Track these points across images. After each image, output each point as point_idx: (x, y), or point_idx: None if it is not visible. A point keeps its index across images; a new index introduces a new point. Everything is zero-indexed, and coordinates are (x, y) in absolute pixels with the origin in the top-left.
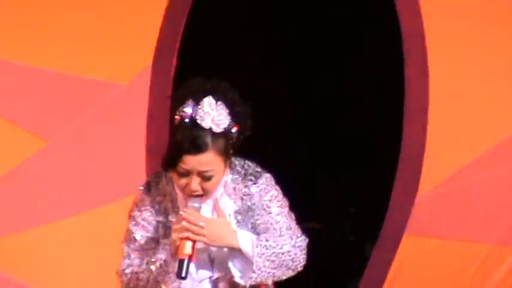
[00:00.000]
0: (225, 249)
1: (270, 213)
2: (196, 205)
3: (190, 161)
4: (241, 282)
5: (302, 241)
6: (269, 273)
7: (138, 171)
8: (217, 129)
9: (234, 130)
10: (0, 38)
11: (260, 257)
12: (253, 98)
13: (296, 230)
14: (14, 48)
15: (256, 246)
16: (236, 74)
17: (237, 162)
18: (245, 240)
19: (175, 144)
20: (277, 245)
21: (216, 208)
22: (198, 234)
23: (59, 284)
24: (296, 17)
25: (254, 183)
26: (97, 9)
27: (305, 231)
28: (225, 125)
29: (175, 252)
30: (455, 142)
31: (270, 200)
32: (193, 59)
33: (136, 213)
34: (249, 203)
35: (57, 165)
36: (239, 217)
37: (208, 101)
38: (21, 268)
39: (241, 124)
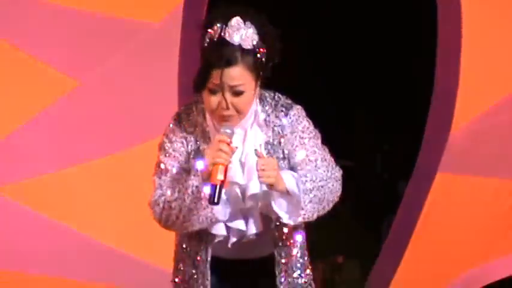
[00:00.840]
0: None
1: (303, 144)
2: (228, 131)
3: (223, 75)
4: (290, 222)
5: (338, 171)
6: (314, 208)
7: (170, 111)
8: (246, 46)
9: (262, 49)
10: None
11: (306, 193)
12: (291, 37)
13: (331, 161)
14: None
15: (302, 184)
16: (269, 12)
17: (267, 94)
18: (289, 179)
19: (205, 61)
20: (317, 178)
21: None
22: (263, 176)
23: (92, 223)
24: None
25: (285, 115)
26: None
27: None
28: (254, 42)
29: (207, 178)
30: (489, 78)
31: (302, 131)
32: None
33: (167, 144)
34: (280, 134)
35: (89, 105)
36: (270, 147)
37: (236, 20)
38: (55, 207)
39: (269, 45)
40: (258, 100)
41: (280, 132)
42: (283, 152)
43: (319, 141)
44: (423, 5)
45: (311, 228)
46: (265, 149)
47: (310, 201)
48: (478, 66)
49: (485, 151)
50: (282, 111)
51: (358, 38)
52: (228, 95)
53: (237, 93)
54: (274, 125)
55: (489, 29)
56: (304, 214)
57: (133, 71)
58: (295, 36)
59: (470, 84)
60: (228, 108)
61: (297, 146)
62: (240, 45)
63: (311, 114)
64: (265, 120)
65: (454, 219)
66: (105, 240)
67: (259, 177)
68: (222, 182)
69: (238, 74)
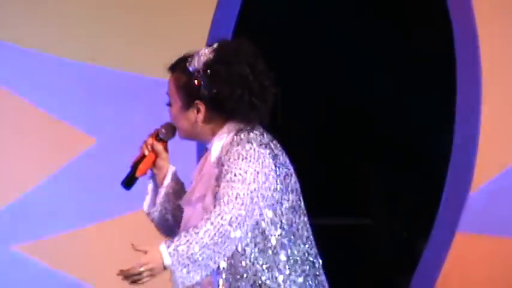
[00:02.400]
0: None
1: (223, 178)
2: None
3: None
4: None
5: (222, 218)
6: (195, 272)
7: (189, 168)
8: (190, 64)
9: (198, 76)
10: (51, 35)
11: (174, 263)
12: (300, 87)
13: (230, 204)
14: (64, 45)
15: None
16: (286, 65)
17: (245, 132)
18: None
19: None
20: (188, 240)
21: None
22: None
23: (110, 283)
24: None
25: (230, 150)
26: (148, 5)
27: (357, 227)
28: (197, 66)
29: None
30: (509, 137)
31: (229, 166)
32: None
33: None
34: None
35: (106, 162)
36: (217, 183)
37: (213, 44)
38: (73, 265)
39: (217, 79)
40: (220, 134)
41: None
42: None
43: (252, 184)
44: (441, 57)
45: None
46: (215, 186)
47: (183, 272)
48: (498, 126)
49: (505, 211)
50: (229, 147)
51: (376, 93)
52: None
53: (168, 104)
54: (223, 159)
55: (509, 87)
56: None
57: (151, 128)
58: (312, 93)
59: (490, 145)
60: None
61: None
62: (185, 61)
63: (328, 172)
64: (217, 157)
65: (473, 278)
66: None
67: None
68: (134, 165)
69: (169, 83)
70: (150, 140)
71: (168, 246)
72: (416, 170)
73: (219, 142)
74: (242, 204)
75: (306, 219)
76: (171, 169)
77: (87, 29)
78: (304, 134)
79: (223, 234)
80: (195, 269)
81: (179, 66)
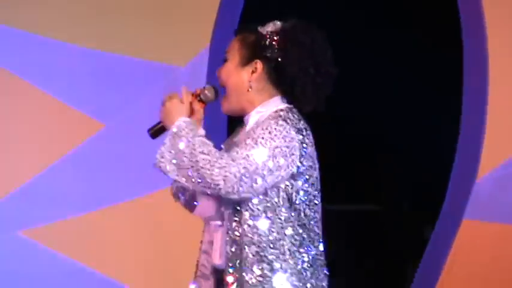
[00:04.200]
0: None
1: (248, 138)
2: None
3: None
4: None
5: (234, 168)
6: (168, 158)
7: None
8: (261, 29)
9: (271, 40)
10: (60, 21)
11: (173, 137)
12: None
13: (236, 168)
14: (73, 30)
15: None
16: None
17: (285, 112)
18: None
19: None
20: (201, 152)
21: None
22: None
23: (118, 267)
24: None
25: (263, 123)
26: None
27: (364, 213)
28: (270, 31)
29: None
30: None
31: (257, 134)
32: None
33: None
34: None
35: (115, 148)
36: None
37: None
38: (81, 250)
39: (287, 48)
40: (260, 108)
41: None
42: None
43: (268, 150)
44: (448, 47)
45: (334, 272)
46: None
47: (169, 151)
48: (504, 113)
49: (511, 199)
50: (264, 120)
51: (383, 82)
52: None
53: (224, 60)
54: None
55: None
56: (159, 156)
57: (159, 113)
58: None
59: (497, 131)
60: (218, 76)
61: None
62: (255, 26)
63: (337, 159)
64: (251, 128)
65: (479, 265)
66: (131, 283)
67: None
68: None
69: (233, 41)
70: (191, 97)
71: (182, 122)
72: (423, 158)
73: (256, 114)
74: (244, 166)
75: (319, 217)
76: (202, 130)
77: (97, 16)
78: (315, 122)
79: (209, 170)
80: (173, 158)
81: (250, 28)
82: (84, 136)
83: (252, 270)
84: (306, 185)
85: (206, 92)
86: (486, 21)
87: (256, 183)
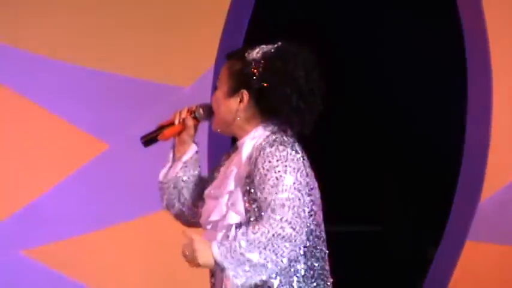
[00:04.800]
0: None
1: (264, 183)
2: (200, 112)
3: None
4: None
5: (283, 228)
6: (248, 271)
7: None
8: (247, 55)
9: (256, 68)
10: (63, 42)
11: (229, 262)
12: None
13: (288, 214)
14: (78, 52)
15: (219, 250)
16: None
17: (279, 135)
18: (216, 253)
19: None
20: (255, 239)
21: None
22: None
23: (122, 286)
24: (358, 18)
25: (262, 151)
26: (159, 13)
27: (366, 233)
28: (256, 57)
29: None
30: None
31: (267, 169)
32: None
33: None
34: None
35: (118, 168)
36: (249, 182)
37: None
38: (82, 270)
39: (270, 74)
40: (253, 134)
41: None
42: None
43: (292, 187)
44: (454, 70)
45: None
46: (244, 184)
47: (244, 270)
48: (508, 135)
49: None
50: (262, 147)
51: (385, 99)
52: None
53: (216, 88)
54: (255, 158)
55: None
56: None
57: None
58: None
59: (500, 153)
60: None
61: (261, 184)
62: (245, 51)
63: (338, 179)
64: (248, 157)
65: (483, 287)
66: None
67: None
68: (160, 127)
69: (223, 70)
70: (185, 113)
71: (219, 244)
72: (427, 178)
73: (251, 141)
74: (292, 207)
75: (324, 236)
76: (193, 147)
77: (100, 37)
78: (314, 141)
79: (282, 236)
80: (250, 268)
81: (237, 54)
82: (88, 156)
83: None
84: (313, 205)
85: (200, 110)
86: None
87: (304, 212)
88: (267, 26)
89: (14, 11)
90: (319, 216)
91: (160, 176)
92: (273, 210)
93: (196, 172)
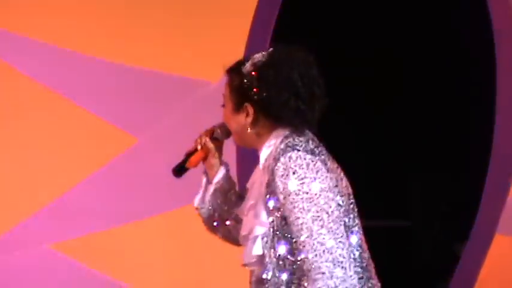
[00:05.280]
0: None
1: (291, 207)
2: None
3: None
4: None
5: (329, 259)
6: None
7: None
8: (244, 68)
9: (252, 77)
10: (94, 38)
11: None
12: (342, 94)
13: (317, 244)
14: (106, 46)
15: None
16: (322, 69)
17: (291, 138)
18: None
19: None
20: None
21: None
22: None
23: (145, 282)
24: (385, 18)
25: (277, 160)
26: (188, 6)
27: (394, 229)
28: (251, 69)
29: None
30: None
31: (288, 194)
32: None
33: None
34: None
35: (147, 162)
36: (269, 191)
37: (267, 50)
38: (110, 264)
39: (266, 83)
40: (268, 143)
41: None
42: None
43: (314, 208)
44: (482, 65)
45: None
46: (265, 189)
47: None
48: None
49: None
50: (279, 155)
51: (413, 97)
52: None
53: (222, 105)
54: (272, 168)
55: None
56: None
57: (191, 128)
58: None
59: None
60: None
61: (285, 203)
62: (242, 64)
63: (366, 173)
64: (265, 165)
65: (511, 282)
66: None
67: None
68: (187, 156)
69: (225, 86)
70: (204, 137)
71: None
72: (456, 172)
73: (267, 150)
74: (323, 222)
75: (359, 223)
76: (222, 169)
77: (130, 31)
78: (345, 136)
79: (334, 259)
80: None
81: (235, 69)
82: (117, 150)
83: None
84: (339, 198)
85: (218, 130)
86: None
87: (336, 224)
88: (295, 21)
89: (41, 7)
90: (349, 206)
91: (196, 202)
92: (307, 234)
93: (232, 191)
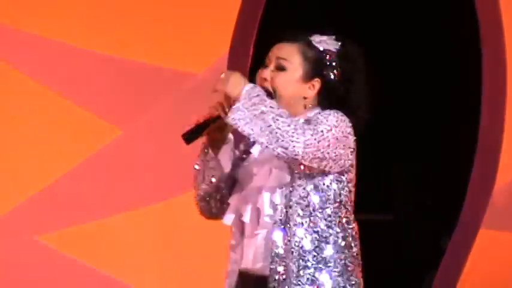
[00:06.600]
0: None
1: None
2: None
3: (276, 48)
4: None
5: (307, 136)
6: (247, 118)
7: None
8: (316, 43)
9: (330, 57)
10: (77, 27)
11: (247, 99)
12: None
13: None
14: (91, 37)
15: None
16: None
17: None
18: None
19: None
20: (280, 115)
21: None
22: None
23: (134, 273)
24: (373, 12)
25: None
26: (173, 0)
27: (379, 223)
28: (326, 46)
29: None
30: None
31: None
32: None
33: None
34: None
35: (132, 154)
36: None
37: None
38: (98, 256)
39: (345, 74)
40: (307, 114)
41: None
42: None
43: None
44: (469, 61)
45: None
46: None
47: (246, 108)
48: None
49: None
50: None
51: (399, 88)
52: (272, 67)
53: (279, 68)
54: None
55: None
56: (235, 115)
57: (177, 120)
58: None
59: None
60: (266, 78)
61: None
62: (307, 38)
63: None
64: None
65: (496, 276)
66: None
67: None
68: (199, 124)
69: (289, 50)
70: (225, 105)
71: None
72: (440, 166)
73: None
74: (324, 137)
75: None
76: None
77: (113, 22)
78: None
79: (289, 132)
80: (252, 118)
81: (303, 40)
82: (101, 142)
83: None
84: (350, 184)
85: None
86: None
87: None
88: (281, 13)
89: None
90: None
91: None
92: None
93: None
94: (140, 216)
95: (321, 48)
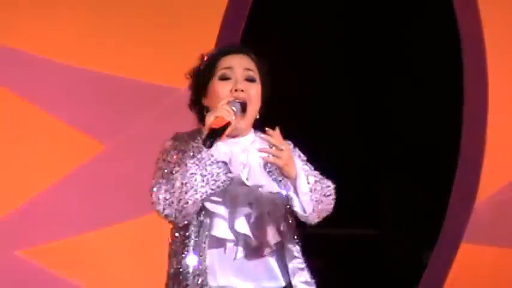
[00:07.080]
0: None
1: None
2: (234, 108)
3: (234, 59)
4: (302, 213)
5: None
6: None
7: None
8: (260, 61)
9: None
10: (60, 42)
11: (313, 189)
12: (314, 98)
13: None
14: (74, 52)
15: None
16: (297, 75)
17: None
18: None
19: (212, 55)
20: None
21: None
22: (277, 156)
23: (114, 287)
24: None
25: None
26: (156, 13)
27: (361, 237)
28: (262, 64)
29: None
30: None
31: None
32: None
33: (164, 161)
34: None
35: (114, 168)
36: (268, 167)
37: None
38: (78, 271)
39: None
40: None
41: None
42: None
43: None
44: (450, 72)
45: None
46: (264, 169)
47: (317, 200)
48: (504, 137)
49: (510, 223)
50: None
51: (381, 102)
52: (241, 79)
53: (250, 80)
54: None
55: None
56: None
57: (159, 135)
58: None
59: (496, 155)
60: (242, 90)
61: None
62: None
63: (333, 181)
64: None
65: None
66: None
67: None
68: (219, 127)
69: (250, 62)
70: (232, 107)
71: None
72: (422, 181)
73: (253, 135)
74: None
75: None
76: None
77: (97, 37)
78: (311, 143)
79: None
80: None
81: (253, 54)
82: (84, 157)
83: None
84: None
85: (238, 104)
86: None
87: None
88: (264, 26)
89: (11, 12)
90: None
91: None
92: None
93: None
94: (121, 232)
95: (263, 62)
